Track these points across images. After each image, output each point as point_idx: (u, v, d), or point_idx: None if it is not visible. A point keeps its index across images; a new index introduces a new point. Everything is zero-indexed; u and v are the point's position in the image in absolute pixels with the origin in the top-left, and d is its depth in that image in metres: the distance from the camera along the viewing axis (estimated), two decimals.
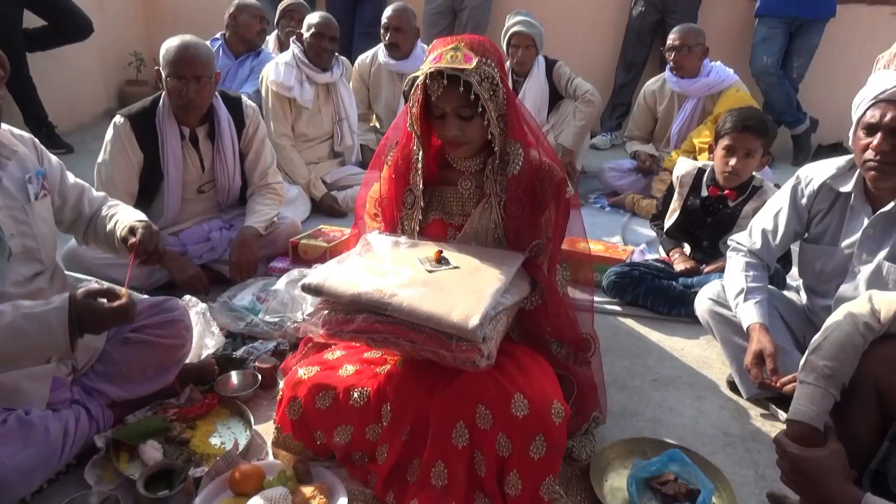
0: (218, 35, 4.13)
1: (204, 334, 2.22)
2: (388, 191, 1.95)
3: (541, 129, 1.91)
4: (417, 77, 2.83)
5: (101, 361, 1.83)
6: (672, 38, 3.88)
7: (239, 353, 2.25)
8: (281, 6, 4.44)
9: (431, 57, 1.72)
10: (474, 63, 1.66)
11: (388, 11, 4.15)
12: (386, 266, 1.69)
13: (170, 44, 2.53)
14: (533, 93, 4.24)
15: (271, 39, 4.53)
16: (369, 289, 1.58)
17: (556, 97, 4.29)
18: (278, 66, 3.63)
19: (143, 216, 2.03)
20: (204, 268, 2.74)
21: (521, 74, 4.25)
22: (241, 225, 2.83)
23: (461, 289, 1.58)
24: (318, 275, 1.67)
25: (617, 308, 2.75)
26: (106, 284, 1.74)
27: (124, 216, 2.00)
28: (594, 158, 4.86)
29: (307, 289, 1.66)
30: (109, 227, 1.98)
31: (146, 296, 2.15)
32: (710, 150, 2.71)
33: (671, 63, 3.89)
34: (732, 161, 2.59)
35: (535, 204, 1.81)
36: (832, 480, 1.31)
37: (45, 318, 1.48)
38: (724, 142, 2.61)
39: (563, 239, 1.89)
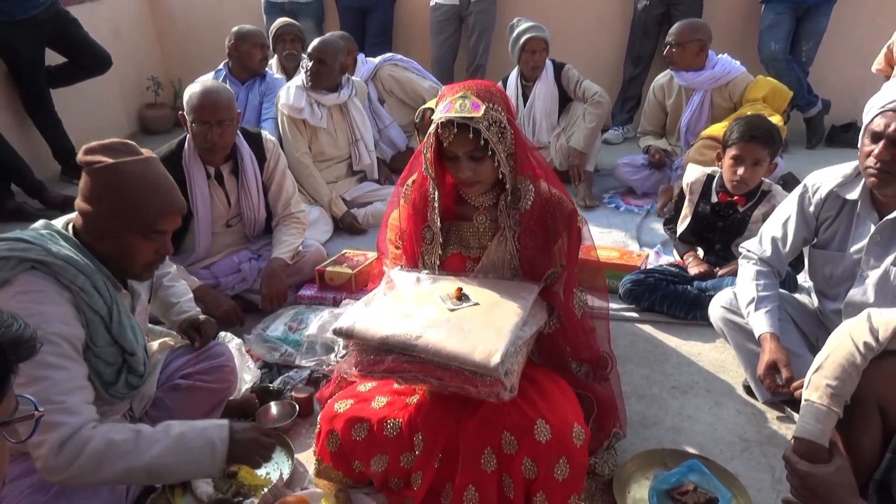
0: (221, 66, 4.23)
1: (242, 369, 2.35)
2: (407, 227, 2.05)
3: (547, 163, 2.00)
4: (428, 109, 2.93)
5: (154, 407, 1.96)
6: (669, 33, 3.93)
7: (276, 383, 2.38)
8: (272, 32, 4.52)
9: (441, 105, 1.81)
10: (482, 111, 1.75)
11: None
12: (410, 306, 1.80)
13: (192, 90, 2.65)
14: (543, 97, 4.30)
15: (273, 62, 4.62)
16: (396, 331, 1.69)
17: (565, 100, 4.35)
18: (289, 90, 3.74)
19: (190, 295, 2.21)
20: (236, 298, 2.88)
21: (530, 79, 4.32)
22: (268, 254, 2.96)
23: (482, 326, 1.69)
24: (347, 319, 1.78)
25: (634, 315, 2.83)
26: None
27: (181, 295, 2.17)
28: (607, 154, 4.90)
29: (339, 333, 1.77)
30: (170, 304, 2.13)
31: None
32: (718, 158, 2.77)
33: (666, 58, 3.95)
34: (740, 171, 2.65)
35: (548, 235, 1.90)
36: (839, 496, 1.40)
37: (208, 432, 1.61)
38: (732, 151, 2.67)
39: (576, 265, 1.99)
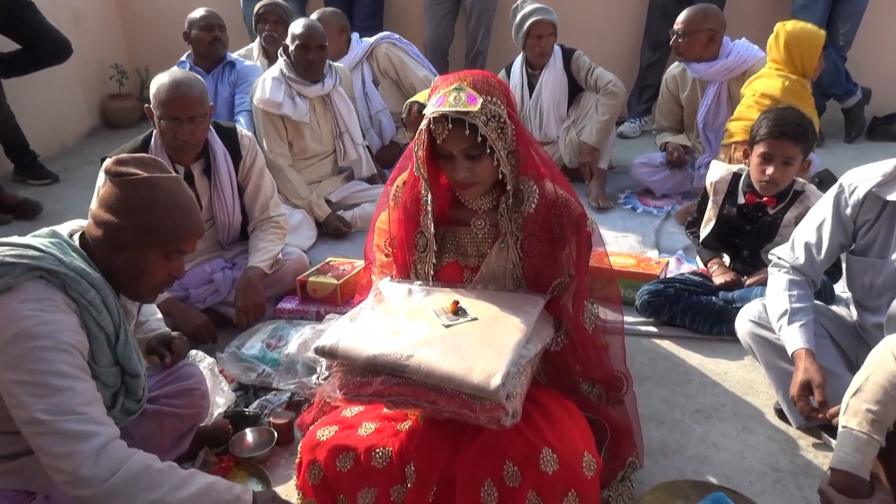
0: (184, 57, 4.26)
1: (214, 391, 2.34)
2: (398, 233, 2.05)
3: (554, 161, 2.00)
4: (415, 103, 2.93)
5: None
6: (676, 21, 3.94)
7: (252, 407, 2.38)
8: (255, 10, 4.55)
9: (434, 99, 1.81)
10: (479, 104, 1.75)
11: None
12: (401, 321, 1.79)
13: (160, 82, 2.66)
14: (551, 86, 4.32)
15: (255, 47, 4.64)
16: (385, 350, 1.68)
17: (575, 89, 4.36)
18: (265, 82, 3.74)
19: (160, 314, 2.23)
20: (208, 311, 2.89)
21: (537, 67, 4.33)
22: (244, 262, 2.97)
23: (481, 344, 1.68)
24: (331, 336, 1.77)
25: (652, 329, 2.83)
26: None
27: (149, 313, 2.18)
28: (623, 150, 4.92)
29: (321, 352, 1.76)
30: (137, 322, 2.13)
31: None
32: (745, 155, 2.77)
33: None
34: (769, 170, 2.65)
35: (554, 241, 1.90)
36: None
37: (234, 489, 1.67)
38: (760, 148, 2.67)
39: (587, 274, 1.99)
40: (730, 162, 3.17)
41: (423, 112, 1.86)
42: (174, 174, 1.83)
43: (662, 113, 4.36)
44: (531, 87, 4.39)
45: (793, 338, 2.09)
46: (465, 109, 1.74)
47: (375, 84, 4.50)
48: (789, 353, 2.10)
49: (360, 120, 4.42)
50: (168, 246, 1.77)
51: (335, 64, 4.01)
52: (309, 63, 3.70)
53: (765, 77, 3.50)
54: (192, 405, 2.06)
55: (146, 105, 2.75)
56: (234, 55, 4.37)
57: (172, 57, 4.42)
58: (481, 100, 1.76)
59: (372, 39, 4.51)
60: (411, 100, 3.02)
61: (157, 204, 1.74)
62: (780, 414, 2.32)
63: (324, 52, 3.76)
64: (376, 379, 1.69)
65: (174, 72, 2.74)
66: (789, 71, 3.47)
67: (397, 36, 4.60)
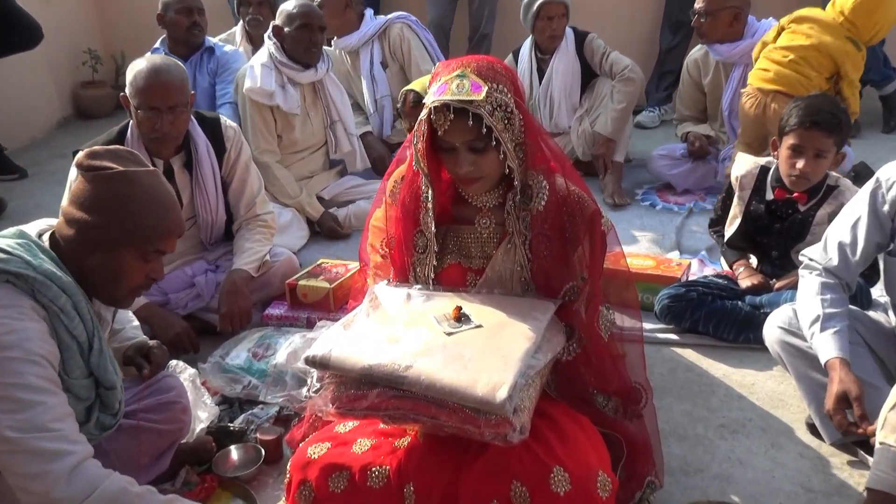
0: (158, 43, 4.26)
1: (196, 405, 2.34)
2: (395, 232, 2.06)
3: (565, 154, 2.01)
4: (410, 92, 2.94)
5: None
6: (697, 0, 3.95)
7: (237, 422, 2.38)
8: None
9: (435, 86, 1.82)
10: (484, 92, 1.76)
11: None
12: (398, 329, 1.80)
13: (137, 68, 2.67)
14: (562, 72, 4.33)
15: (237, 31, 4.64)
16: (382, 360, 1.69)
17: (588, 76, 4.37)
18: (253, 69, 3.74)
19: (136, 322, 2.23)
20: (189, 318, 2.89)
21: (547, 52, 4.34)
22: (228, 265, 2.98)
23: (485, 353, 1.69)
24: (323, 345, 1.78)
25: (673, 337, 2.84)
26: None
27: (124, 321, 2.19)
28: (640, 141, 4.92)
29: (311, 362, 1.76)
30: (112, 330, 2.14)
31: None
32: (774, 147, 2.77)
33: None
34: (800, 163, 2.64)
35: (566, 241, 1.90)
36: None
37: None
38: (790, 140, 2.66)
39: (601, 277, 1.99)
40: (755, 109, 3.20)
41: (422, 102, 1.87)
42: (152, 168, 1.83)
43: (684, 101, 4.36)
44: (541, 74, 4.40)
45: (826, 346, 2.09)
46: (468, 98, 1.75)
47: (384, 66, 4.49)
48: (822, 362, 2.09)
49: (364, 104, 4.43)
50: (145, 246, 1.78)
51: (324, 48, 4.02)
52: (311, 44, 3.72)
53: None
54: (173, 420, 2.06)
55: (122, 94, 2.75)
56: (215, 40, 4.38)
57: (151, 41, 4.43)
58: (486, 87, 1.76)
59: (387, 17, 4.49)
60: (407, 88, 3.03)
61: (133, 200, 1.74)
62: (811, 429, 2.32)
63: (324, 33, 3.79)
64: (372, 392, 1.70)
65: (152, 57, 2.75)
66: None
67: (415, 18, 4.57)
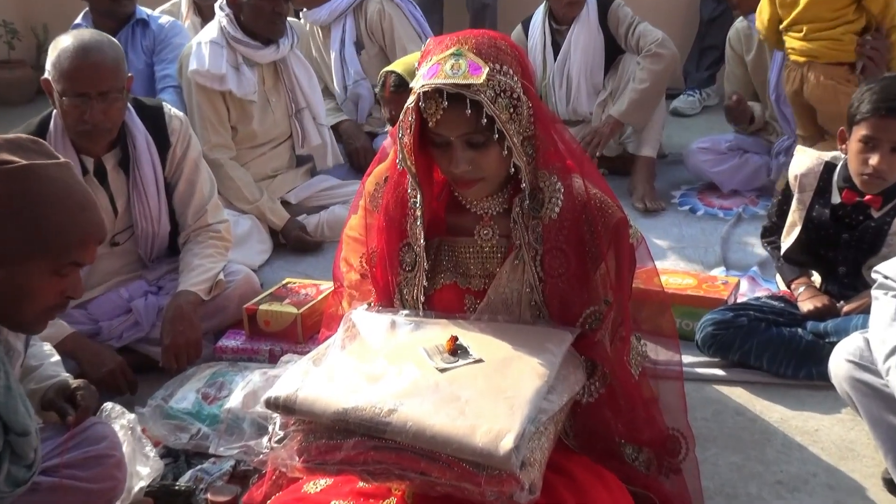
0: (80, 18, 4.23)
1: (134, 458, 2.33)
2: (378, 245, 2.06)
3: (584, 150, 2.01)
4: (391, 73, 2.94)
5: None
6: None
7: (184, 480, 2.37)
8: None
9: (425, 67, 1.82)
10: (484, 74, 1.76)
11: None
12: (380, 364, 1.79)
13: (62, 46, 2.67)
14: (583, 46, 4.34)
15: (183, 2, 4.65)
16: (359, 403, 1.68)
17: (613, 51, 4.38)
18: (201, 48, 3.74)
19: (57, 356, 2.22)
20: (125, 351, 2.89)
21: (563, 22, 4.36)
22: (173, 286, 2.97)
23: (487, 395, 1.68)
24: (288, 384, 1.77)
25: (719, 373, 2.83)
26: None
27: (43, 356, 2.19)
28: (677, 131, 4.93)
29: (274, 405, 1.76)
30: (27, 368, 2.14)
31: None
32: (841, 138, 2.78)
33: None
34: (874, 159, 2.64)
35: (585, 256, 1.91)
36: None
37: None
38: (861, 131, 2.66)
39: (630, 300, 1.99)
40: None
41: (406, 86, 1.87)
42: (62, 160, 1.81)
43: (731, 80, 4.37)
44: (556, 49, 4.41)
45: None
46: (465, 81, 1.75)
47: (358, 47, 4.51)
48: None
49: (337, 88, 4.46)
50: (58, 256, 1.76)
51: (290, 20, 4.03)
52: (275, 16, 3.74)
53: None
54: (104, 477, 2.03)
55: (43, 77, 2.75)
56: (156, 11, 4.39)
57: (79, 11, 4.42)
58: (487, 69, 1.77)
59: None
60: (387, 69, 3.03)
61: (41, 200, 1.72)
62: (889, 486, 2.31)
63: (287, 2, 3.81)
64: (348, 442, 1.69)
65: (81, 33, 2.76)
66: None
67: None
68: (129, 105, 2.87)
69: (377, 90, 3.08)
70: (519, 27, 4.56)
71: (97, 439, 2.07)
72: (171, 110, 3.03)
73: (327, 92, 4.57)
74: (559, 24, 4.40)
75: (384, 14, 4.44)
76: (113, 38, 2.82)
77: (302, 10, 4.54)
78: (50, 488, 1.97)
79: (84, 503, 2.02)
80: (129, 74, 2.81)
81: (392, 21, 4.43)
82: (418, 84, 1.81)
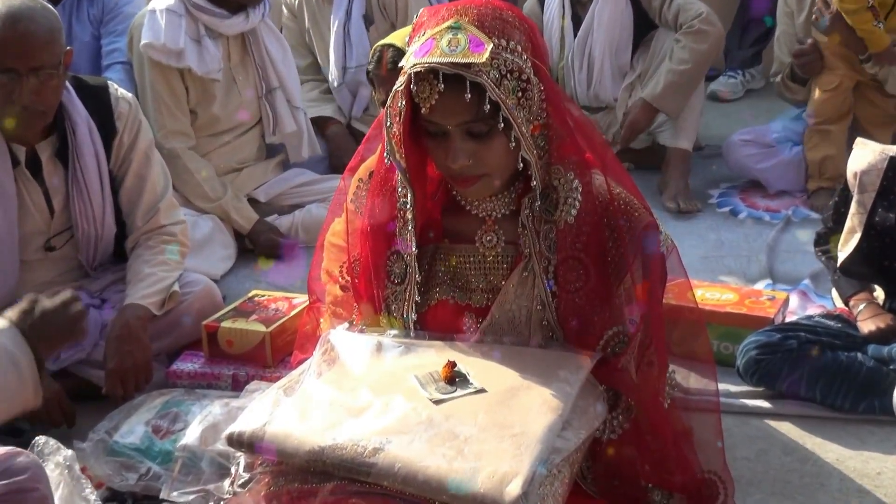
0: None
1: (72, 502, 2.33)
2: (361, 254, 2.06)
3: (606, 142, 2.01)
4: (388, 47, 2.93)
5: None
6: None
7: None
8: None
9: (417, 43, 1.82)
10: (487, 52, 1.76)
11: None
12: (363, 395, 1.79)
13: None
14: (608, 20, 4.35)
15: None
16: (339, 441, 1.68)
17: (644, 27, 4.39)
18: (155, 17, 3.74)
19: None
20: (63, 375, 2.89)
21: None
22: (119, 300, 2.96)
23: (490, 431, 1.68)
24: (253, 417, 1.77)
25: (764, 405, 2.83)
26: None
27: None
28: (716, 119, 4.93)
29: (237, 442, 1.76)
30: None
31: None
32: None
33: None
34: None
35: (607, 267, 1.91)
36: None
37: None
38: None
39: (663, 320, 1.99)
40: None
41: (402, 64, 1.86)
42: None
43: (782, 46, 4.38)
44: (576, 23, 4.41)
45: None
46: (464, 60, 1.75)
47: (367, 23, 4.49)
48: None
49: (328, 71, 4.45)
50: None
51: None
52: None
53: None
54: None
55: None
56: None
57: None
58: (490, 45, 1.77)
59: None
60: (382, 42, 3.02)
61: None
62: None
63: None
64: (325, 486, 1.69)
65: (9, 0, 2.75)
66: None
67: None
68: (68, 84, 2.86)
69: (370, 68, 3.06)
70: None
71: (18, 471, 2.06)
72: (118, 91, 3.02)
73: (311, 70, 4.57)
74: None
75: None
76: (49, 6, 2.80)
77: None
78: None
79: None
80: (69, 48, 2.80)
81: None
82: (409, 63, 1.81)
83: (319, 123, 4.35)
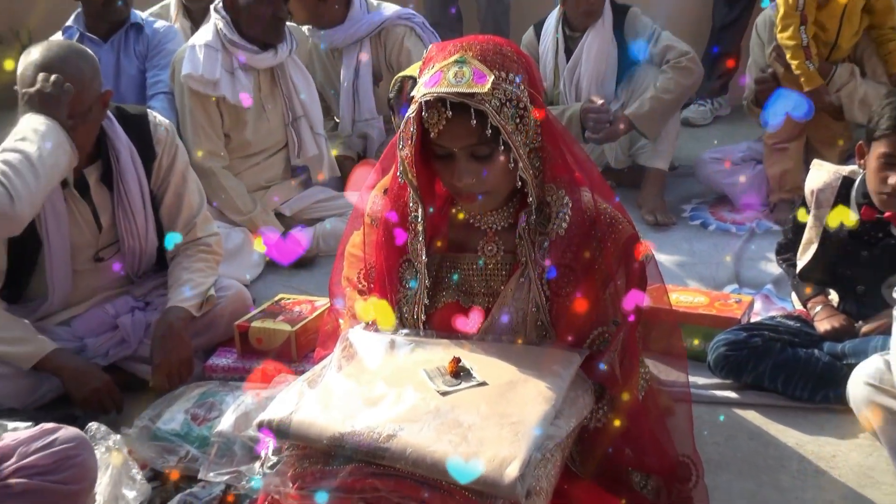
0: (71, 20, 4.23)
1: (121, 481, 2.32)
2: (377, 262, 2.07)
3: (593, 162, 2.02)
4: (408, 79, 2.95)
5: None
6: None
7: None
8: None
9: (427, 75, 1.82)
10: (489, 83, 1.77)
11: None
12: (378, 387, 1.80)
13: (28, 60, 2.65)
14: (595, 54, 4.34)
15: (172, 4, 4.66)
16: (357, 428, 1.68)
17: (628, 62, 4.37)
18: (195, 51, 3.75)
19: None
20: (112, 370, 2.88)
21: (578, 29, 4.37)
22: (162, 302, 2.96)
23: (491, 420, 1.68)
24: (281, 407, 1.78)
25: (731, 395, 2.82)
26: None
27: None
28: (689, 142, 4.93)
29: (267, 428, 1.76)
30: None
31: (26, 424, 2.28)
32: (860, 154, 2.77)
33: None
34: (893, 177, 2.63)
35: (594, 274, 1.91)
36: None
37: None
38: (880, 148, 2.65)
39: (640, 322, 1.99)
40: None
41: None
42: None
43: (754, 72, 4.37)
44: (568, 55, 4.40)
45: None
46: (469, 90, 1.76)
47: (376, 79, 4.44)
48: None
49: (339, 117, 4.46)
50: None
51: (289, 24, 4.04)
52: (275, 20, 3.76)
53: None
54: (77, 478, 2.06)
55: (16, 87, 2.73)
56: (145, 14, 4.40)
57: (66, 15, 4.43)
58: (492, 77, 1.78)
59: (387, 13, 4.40)
60: (403, 74, 3.03)
61: None
62: None
63: (287, 6, 3.84)
64: (344, 468, 1.69)
65: (50, 45, 2.73)
66: None
67: (421, 19, 4.50)
68: (110, 115, 2.86)
69: (391, 96, 3.07)
70: (531, 30, 4.56)
71: (66, 439, 2.09)
72: (157, 118, 3.02)
73: (328, 111, 4.60)
74: (573, 31, 4.40)
75: (403, 48, 4.37)
76: (85, 52, 2.79)
77: (308, 26, 4.48)
78: (24, 491, 1.99)
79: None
80: (107, 90, 2.79)
81: (411, 57, 4.28)
82: (420, 93, 1.82)
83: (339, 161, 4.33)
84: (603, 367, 1.90)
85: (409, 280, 2.01)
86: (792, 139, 4.07)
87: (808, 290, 2.94)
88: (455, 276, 2.00)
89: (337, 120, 4.67)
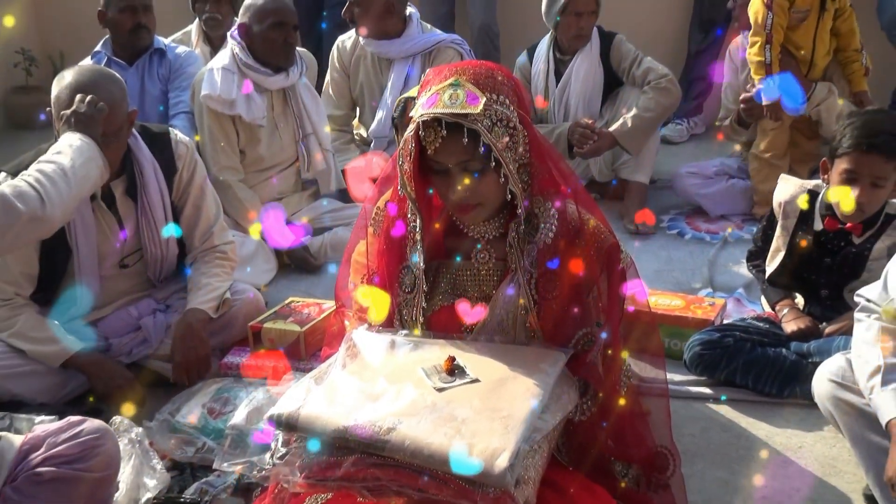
0: (100, 46, 4.25)
1: (142, 470, 2.32)
2: (378, 267, 2.06)
3: (577, 176, 2.02)
4: (410, 100, 2.95)
5: None
6: None
7: (189, 492, 2.35)
8: None
9: (424, 97, 1.83)
10: (481, 104, 1.77)
11: None
12: (380, 383, 1.79)
13: (61, 83, 2.65)
14: (583, 76, 4.37)
15: (193, 30, 4.68)
16: (359, 421, 1.68)
17: (611, 84, 4.41)
18: (213, 73, 3.76)
19: None
20: (134, 367, 2.88)
21: (568, 52, 4.39)
22: (181, 304, 2.96)
23: (483, 414, 1.68)
24: (290, 402, 1.77)
25: (706, 391, 2.81)
26: None
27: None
28: (666, 158, 4.92)
29: (277, 422, 1.76)
30: None
31: (52, 417, 2.29)
32: (824, 170, 2.77)
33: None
34: (854, 192, 2.64)
35: (578, 279, 1.90)
36: None
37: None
38: (843, 164, 2.65)
39: (620, 324, 1.99)
40: None
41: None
42: None
43: (729, 96, 4.39)
44: (558, 77, 4.43)
45: (887, 403, 2.08)
46: (463, 111, 1.76)
47: None
48: (883, 422, 2.08)
49: (369, 123, 4.46)
50: None
51: (300, 49, 4.05)
52: (286, 45, 3.77)
53: None
54: (104, 465, 2.05)
55: (48, 108, 2.72)
56: (167, 41, 4.41)
57: (95, 40, 4.43)
58: (484, 99, 1.78)
59: (441, 36, 4.44)
60: (407, 95, 3.03)
61: None
62: (869, 501, 2.29)
63: (297, 31, 3.86)
64: (347, 458, 1.69)
65: (81, 69, 2.73)
66: None
67: (469, 47, 4.54)
68: (135, 133, 2.87)
69: (395, 115, 3.08)
70: (524, 54, 4.58)
71: (91, 430, 2.09)
72: (178, 136, 3.02)
73: (342, 121, 4.60)
74: (563, 55, 4.42)
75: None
76: (115, 76, 2.80)
77: (363, 36, 4.43)
78: (54, 479, 1.99)
79: (88, 491, 2.04)
80: (132, 109, 2.79)
81: None
82: (418, 113, 1.82)
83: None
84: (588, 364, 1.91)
85: (408, 285, 2.01)
86: (782, 155, 4.13)
87: (776, 295, 2.95)
88: (450, 282, 2.00)
89: (360, 133, 4.65)
